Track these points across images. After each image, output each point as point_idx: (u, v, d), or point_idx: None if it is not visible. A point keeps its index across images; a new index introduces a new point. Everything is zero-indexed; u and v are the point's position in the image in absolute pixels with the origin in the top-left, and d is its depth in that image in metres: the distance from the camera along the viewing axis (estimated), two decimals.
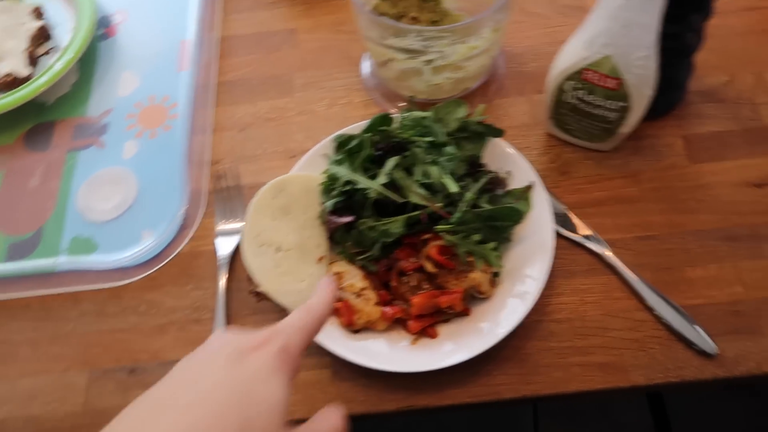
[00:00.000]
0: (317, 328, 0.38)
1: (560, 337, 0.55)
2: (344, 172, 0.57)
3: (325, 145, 0.62)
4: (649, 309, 0.55)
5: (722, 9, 0.61)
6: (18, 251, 0.66)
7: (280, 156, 0.68)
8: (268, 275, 0.55)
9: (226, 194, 0.66)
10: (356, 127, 0.62)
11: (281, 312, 0.59)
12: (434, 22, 0.69)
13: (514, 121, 0.67)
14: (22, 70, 0.75)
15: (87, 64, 0.78)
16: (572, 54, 0.55)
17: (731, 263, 0.57)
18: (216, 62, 0.76)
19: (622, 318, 0.55)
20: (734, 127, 0.64)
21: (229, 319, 0.60)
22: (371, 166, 0.58)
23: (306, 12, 0.78)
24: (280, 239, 0.57)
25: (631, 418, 1.02)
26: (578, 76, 0.56)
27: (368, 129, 0.59)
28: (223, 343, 0.35)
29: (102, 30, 0.81)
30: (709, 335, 0.53)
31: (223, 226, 0.65)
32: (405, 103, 0.64)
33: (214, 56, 0.76)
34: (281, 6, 0.79)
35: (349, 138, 0.60)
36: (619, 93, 0.55)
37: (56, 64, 0.73)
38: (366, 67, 0.73)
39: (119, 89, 0.76)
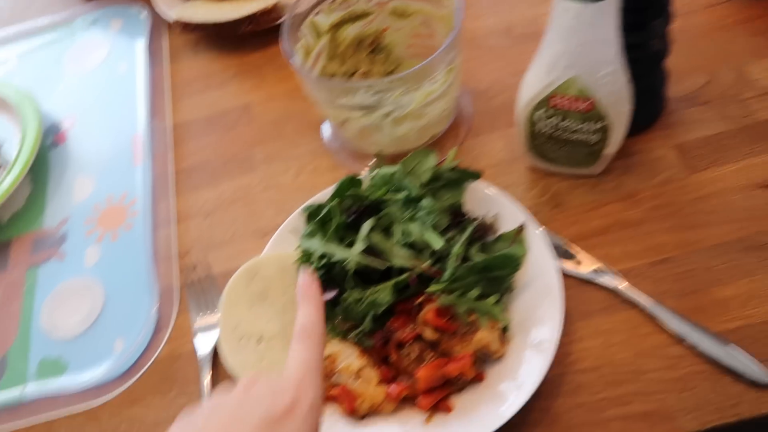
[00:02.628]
0: (322, 354, 0.40)
1: (590, 389, 0.49)
2: (317, 245, 0.52)
3: (295, 218, 0.58)
4: (683, 342, 0.49)
5: (683, 11, 0.59)
6: None
7: (251, 237, 0.63)
8: (253, 371, 0.49)
9: (198, 287, 0.61)
10: (325, 194, 0.58)
11: None
12: (389, 73, 0.66)
13: (491, 160, 0.63)
14: None
15: (39, 174, 0.74)
16: (535, 82, 0.52)
17: (763, 275, 0.51)
18: (171, 151, 0.72)
19: (656, 357, 0.49)
20: (727, 128, 0.60)
21: None
22: (347, 234, 0.53)
23: (258, 85, 0.75)
24: (261, 328, 0.51)
25: None
26: (546, 103, 0.52)
27: (336, 194, 0.55)
28: (254, 400, 0.36)
29: (51, 138, 0.77)
30: (757, 360, 0.46)
31: (200, 322, 0.59)
32: (373, 161, 0.60)
33: (168, 145, 0.72)
34: (231, 84, 0.77)
35: (318, 207, 0.56)
36: (594, 113, 0.51)
37: (5, 181, 0.69)
38: (327, 129, 0.69)
39: (75, 195, 0.71)
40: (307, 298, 0.41)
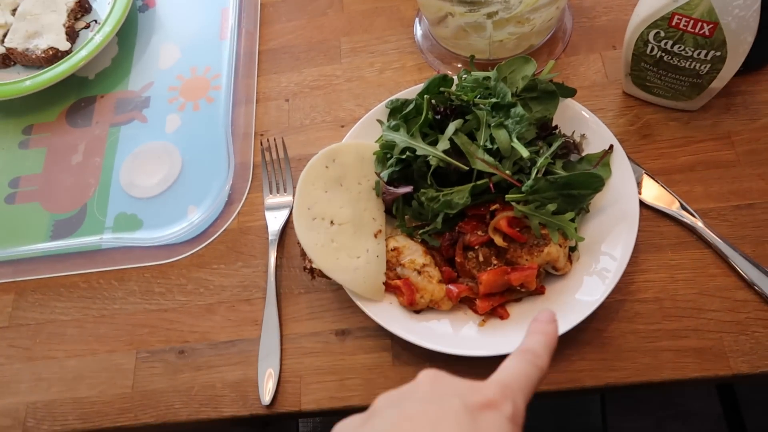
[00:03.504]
0: (539, 382, 0.34)
1: (648, 319, 0.49)
2: (401, 139, 0.52)
3: (378, 111, 0.58)
4: (752, 287, 0.48)
5: None
6: (63, 229, 0.64)
7: (329, 125, 0.64)
8: (322, 251, 0.51)
9: (273, 167, 0.62)
10: (411, 92, 0.57)
11: (335, 290, 0.55)
12: None
13: (585, 81, 0.61)
14: (62, 44, 0.73)
15: (127, 36, 0.75)
16: None
17: None
18: (257, 30, 0.71)
19: (719, 298, 0.49)
20: None
21: (280, 298, 0.56)
22: (430, 132, 0.53)
23: None
24: (334, 212, 0.53)
25: (699, 406, 0.95)
26: (665, 22, 0.49)
27: (425, 91, 0.54)
28: (447, 388, 0.32)
29: (141, 1, 0.77)
30: None
31: (271, 200, 0.61)
32: (462, 65, 0.58)
33: (256, 24, 0.72)
34: None
35: (405, 102, 0.55)
36: (713, 40, 0.48)
37: (96, 37, 0.70)
38: (419, 28, 0.67)
39: (160, 62, 0.72)
40: (542, 331, 0.36)
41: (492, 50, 0.60)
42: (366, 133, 0.57)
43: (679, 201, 0.53)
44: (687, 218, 0.52)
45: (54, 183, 0.67)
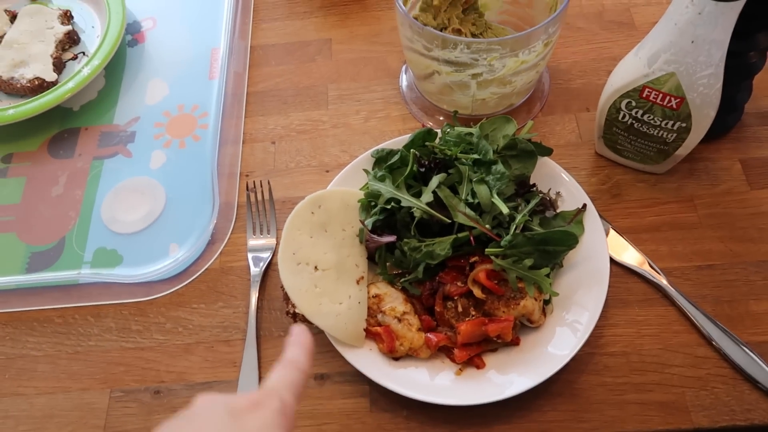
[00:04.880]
0: (304, 382, 0.38)
1: (615, 372, 0.52)
2: (386, 190, 0.54)
3: (363, 160, 0.60)
4: (711, 344, 0.52)
5: None
6: (39, 261, 0.63)
7: (314, 170, 0.66)
8: (306, 295, 0.52)
9: (257, 208, 0.63)
10: (395, 142, 0.60)
11: (315, 334, 0.55)
12: (475, 36, 0.67)
13: (560, 140, 0.64)
14: (49, 75, 0.73)
15: (114, 70, 0.75)
16: (631, 70, 0.53)
17: None
18: (246, 71, 0.73)
19: (682, 354, 0.52)
20: None
21: (260, 340, 0.56)
22: (414, 183, 0.55)
23: (341, 22, 0.76)
24: (318, 257, 0.54)
25: None
26: (637, 93, 0.53)
27: (410, 144, 0.56)
28: (214, 402, 0.34)
29: (130, 36, 0.78)
30: None
31: (254, 242, 0.62)
32: (444, 118, 0.61)
33: (244, 65, 0.74)
34: (315, 16, 0.77)
35: (390, 153, 0.58)
36: (680, 113, 0.52)
37: (84, 70, 0.71)
38: (404, 79, 0.70)
39: (147, 97, 0.73)
40: (297, 342, 0.39)
41: (474, 107, 0.63)
42: (350, 179, 0.59)
43: (646, 259, 0.56)
44: (653, 276, 0.55)
45: (32, 214, 0.66)
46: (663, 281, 0.54)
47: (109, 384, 0.56)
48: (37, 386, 0.57)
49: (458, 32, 0.65)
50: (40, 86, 0.72)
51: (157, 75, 0.75)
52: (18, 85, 0.72)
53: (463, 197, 0.53)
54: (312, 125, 0.69)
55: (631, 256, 0.56)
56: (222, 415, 0.33)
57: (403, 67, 0.71)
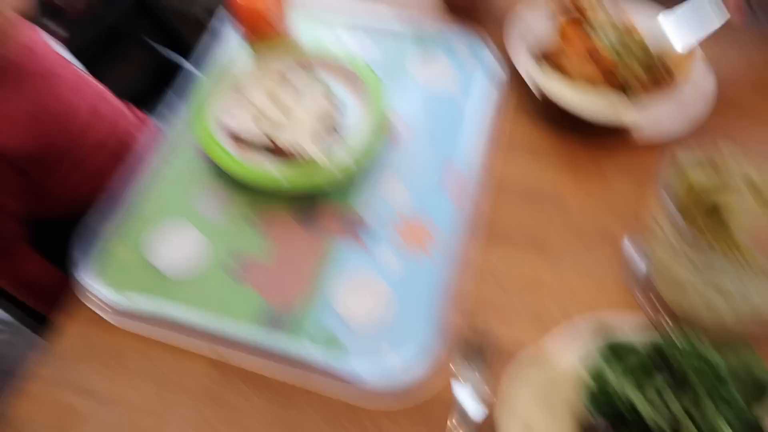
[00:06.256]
0: None
1: None
2: (621, 389, 0.56)
3: (584, 331, 0.64)
4: None
5: None
6: (268, 320, 0.70)
7: (531, 321, 0.69)
8: None
9: (471, 344, 0.67)
10: (624, 330, 0.62)
11: None
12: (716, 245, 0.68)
13: None
14: (307, 145, 0.80)
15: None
16: None
17: None
18: (486, 204, 0.78)
19: None
20: None
21: None
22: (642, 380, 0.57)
23: (574, 177, 0.81)
24: (531, 420, 0.57)
25: None
26: None
27: (652, 351, 0.59)
28: None
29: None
30: None
31: (464, 375, 0.65)
32: (669, 317, 0.63)
33: (486, 198, 0.79)
34: (549, 164, 0.82)
35: (626, 349, 0.60)
36: None
37: (347, 159, 0.78)
38: (637, 261, 0.72)
39: (388, 196, 0.79)
40: None
41: (712, 319, 0.63)
42: (566, 346, 0.64)
43: None
44: None
45: (274, 273, 0.73)
46: None
47: None
48: None
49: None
50: (291, 153, 0.79)
51: (401, 179, 0.80)
52: (269, 145, 0.80)
53: (694, 422, 0.54)
54: (534, 274, 0.73)
55: None
56: None
57: (635, 249, 0.73)
